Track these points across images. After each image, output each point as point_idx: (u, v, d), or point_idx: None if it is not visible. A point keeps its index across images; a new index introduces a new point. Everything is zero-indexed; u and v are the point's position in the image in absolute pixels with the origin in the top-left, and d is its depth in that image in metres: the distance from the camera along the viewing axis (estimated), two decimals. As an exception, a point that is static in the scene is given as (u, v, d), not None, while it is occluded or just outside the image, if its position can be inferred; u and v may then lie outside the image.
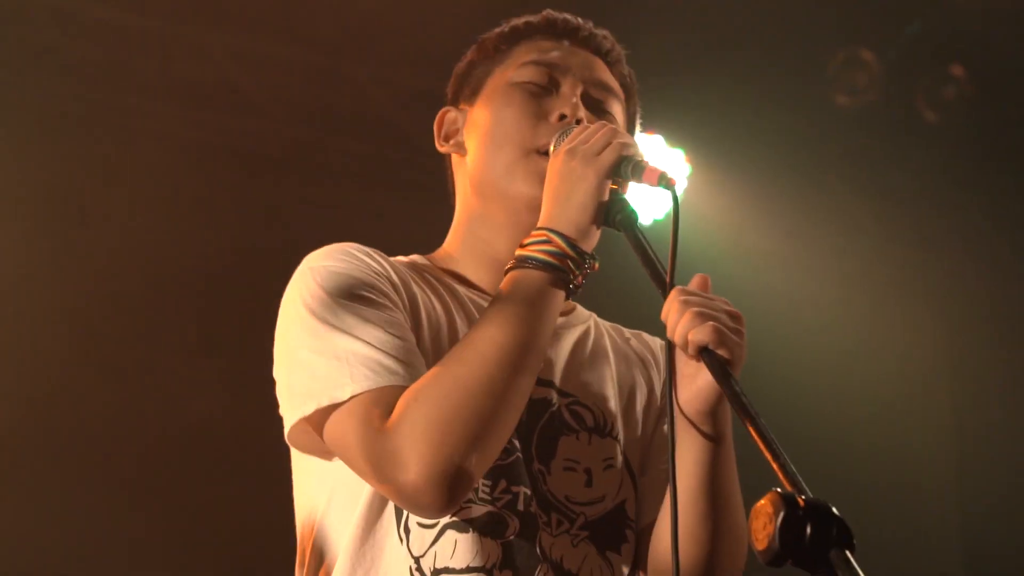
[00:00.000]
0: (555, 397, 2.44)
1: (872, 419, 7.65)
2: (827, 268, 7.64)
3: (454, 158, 2.66)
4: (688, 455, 2.28)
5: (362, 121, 6.78)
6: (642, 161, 2.30)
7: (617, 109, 2.63)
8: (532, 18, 2.69)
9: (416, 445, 2.12)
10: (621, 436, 2.49)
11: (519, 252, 2.31)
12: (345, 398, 2.20)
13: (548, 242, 2.29)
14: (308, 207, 6.80)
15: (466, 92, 2.67)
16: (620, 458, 2.48)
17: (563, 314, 2.55)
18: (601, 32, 2.68)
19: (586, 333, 2.59)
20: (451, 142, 2.65)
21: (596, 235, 2.32)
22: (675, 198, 2.22)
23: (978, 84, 7.20)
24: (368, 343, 2.24)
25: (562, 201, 2.31)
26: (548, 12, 2.69)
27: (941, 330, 8.00)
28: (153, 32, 6.44)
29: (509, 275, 2.30)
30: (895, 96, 7.22)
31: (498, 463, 2.28)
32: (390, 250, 2.57)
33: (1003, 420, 7.81)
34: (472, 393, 2.16)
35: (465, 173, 2.61)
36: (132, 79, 6.52)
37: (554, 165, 2.37)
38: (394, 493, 2.17)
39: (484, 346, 2.20)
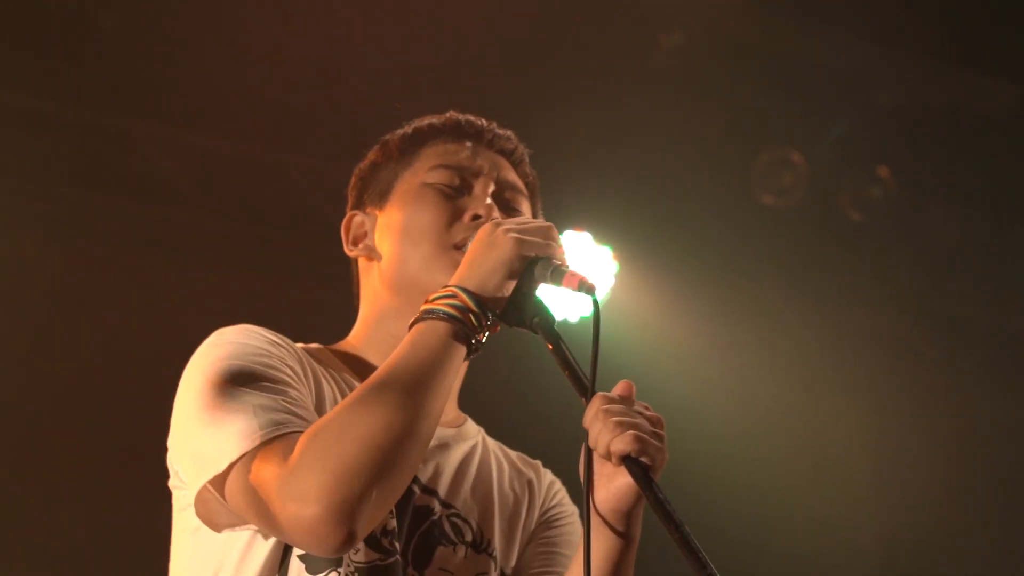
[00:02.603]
0: (437, 507, 2.48)
1: (799, 516, 7.66)
2: (753, 366, 7.67)
3: (361, 261, 2.71)
4: (597, 553, 2.29)
5: (291, 213, 6.77)
6: (562, 265, 2.34)
7: (525, 207, 2.70)
8: (435, 120, 2.74)
9: (316, 476, 2.12)
10: (497, 553, 2.54)
11: (424, 306, 2.35)
12: (255, 446, 2.20)
13: (454, 296, 2.33)
14: (234, 299, 6.76)
15: (373, 196, 2.71)
16: (494, 574, 2.53)
17: (454, 426, 2.63)
18: (504, 133, 2.74)
19: (474, 448, 2.64)
20: (360, 246, 2.70)
21: (503, 301, 2.35)
22: (596, 304, 2.27)
23: (902, 184, 7.29)
24: (275, 397, 2.26)
25: (476, 263, 2.36)
26: (452, 114, 2.75)
27: (865, 424, 8.03)
28: (79, 121, 6.42)
29: (413, 327, 2.33)
30: (821, 196, 7.30)
31: (378, 563, 2.32)
32: (314, 339, 2.58)
33: (924, 511, 7.84)
34: (372, 430, 2.16)
35: (375, 274, 2.65)
36: (57, 168, 6.48)
37: (480, 232, 2.42)
38: (293, 527, 2.14)
39: (384, 387, 2.23)
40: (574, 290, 2.30)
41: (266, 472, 2.16)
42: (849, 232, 7.40)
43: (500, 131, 2.73)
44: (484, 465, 2.63)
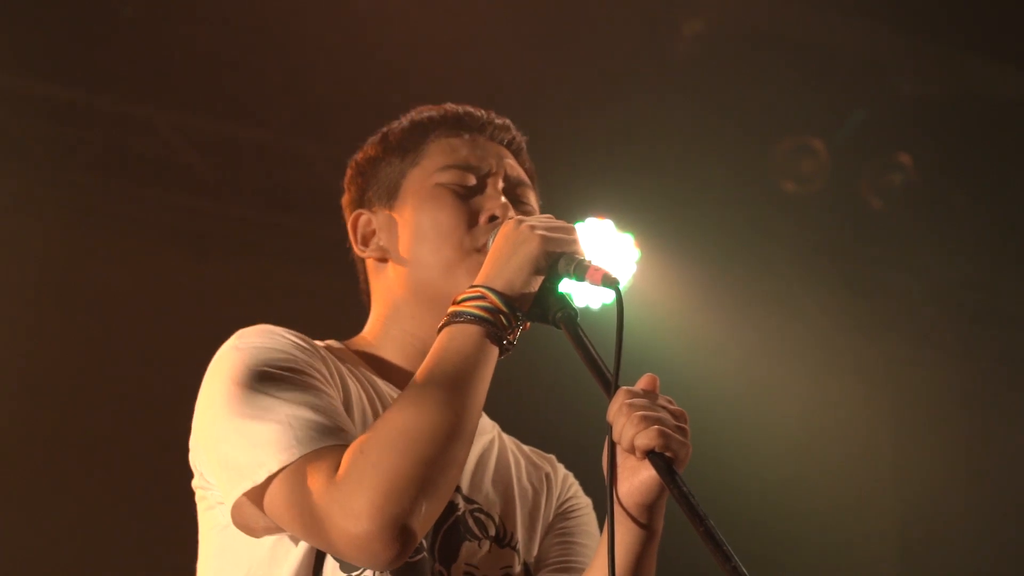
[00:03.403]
0: (460, 502, 2.49)
1: (819, 507, 7.65)
2: (773, 353, 7.67)
3: (370, 261, 2.67)
4: (620, 547, 2.31)
5: (313, 201, 6.79)
6: (585, 260, 2.34)
7: (532, 198, 2.69)
8: (434, 113, 2.70)
9: (366, 493, 2.13)
10: (520, 546, 2.55)
11: (453, 308, 2.35)
12: (294, 460, 2.20)
13: (483, 298, 2.33)
14: (256, 287, 6.79)
15: (379, 194, 2.67)
16: (518, 567, 2.53)
17: None
18: (502, 122, 2.71)
19: (491, 443, 2.64)
20: (371, 245, 2.66)
21: (530, 300, 2.35)
22: (619, 298, 2.27)
23: (923, 172, 7.28)
24: (308, 407, 2.26)
25: (502, 261, 2.36)
26: (450, 106, 2.71)
27: (884, 412, 8.03)
28: (102, 109, 6.44)
29: (444, 330, 2.33)
30: (841, 183, 7.29)
31: (407, 560, 2.29)
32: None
33: (943, 501, 7.84)
34: (416, 441, 2.18)
35: (389, 274, 2.63)
36: (79, 155, 6.51)
37: (503, 229, 2.42)
38: (345, 544, 2.16)
39: (424, 396, 2.24)
40: (598, 285, 2.30)
41: (313, 488, 2.17)
42: (870, 220, 7.39)
43: (498, 121, 2.71)
44: (502, 459, 2.63)
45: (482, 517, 2.51)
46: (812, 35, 6.87)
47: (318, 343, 2.51)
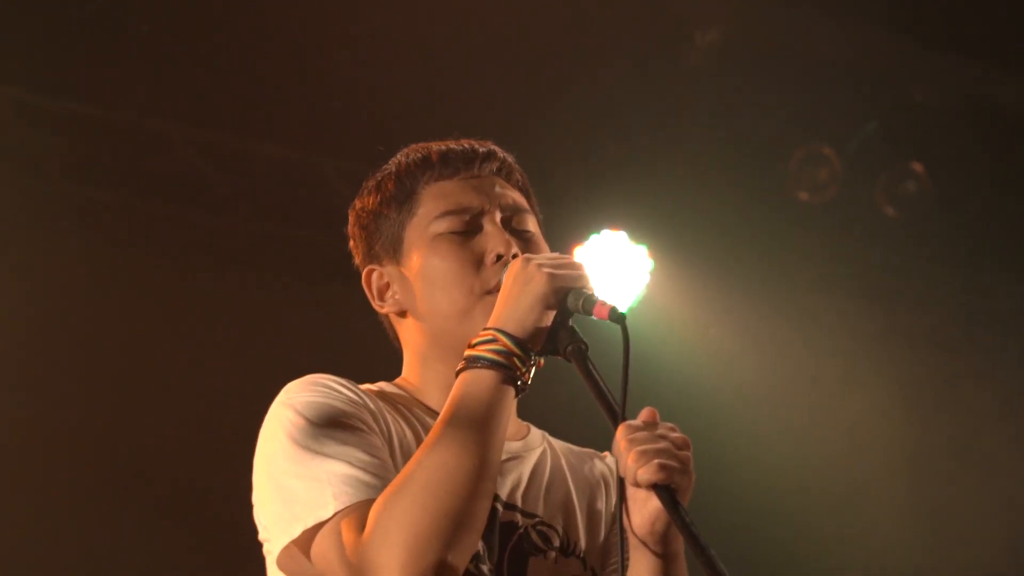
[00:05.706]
0: (520, 519, 2.54)
1: (835, 521, 7.65)
2: (788, 363, 7.67)
3: (392, 314, 2.71)
4: (644, 572, 2.38)
5: (327, 216, 6.80)
6: (593, 295, 2.41)
7: (532, 223, 2.70)
8: (419, 157, 2.70)
9: (392, 551, 2.21)
10: (584, 554, 2.60)
11: (468, 352, 2.41)
12: (328, 516, 2.30)
13: (495, 341, 2.39)
14: (270, 301, 6.82)
15: (385, 248, 2.68)
16: (586, 575, 2.59)
17: (520, 438, 2.66)
18: (486, 150, 2.70)
19: (543, 455, 2.68)
20: (387, 300, 2.69)
21: (543, 335, 2.42)
22: (625, 332, 2.34)
23: (937, 180, 7.30)
24: (347, 463, 2.34)
25: (512, 302, 2.42)
26: (434, 147, 2.70)
27: (901, 422, 8.02)
28: (118, 124, 6.48)
29: (460, 376, 2.40)
30: (855, 191, 7.31)
31: None
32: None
33: (962, 517, 7.83)
34: (436, 495, 2.25)
35: (410, 326, 2.68)
36: (95, 170, 6.55)
37: (511, 269, 2.48)
38: None
39: (444, 446, 2.31)
40: (604, 319, 2.36)
41: (346, 544, 2.26)
42: (884, 228, 7.40)
43: (482, 150, 2.70)
44: (557, 469, 2.68)
45: (544, 529, 2.56)
46: (825, 45, 6.90)
47: (368, 386, 2.57)
